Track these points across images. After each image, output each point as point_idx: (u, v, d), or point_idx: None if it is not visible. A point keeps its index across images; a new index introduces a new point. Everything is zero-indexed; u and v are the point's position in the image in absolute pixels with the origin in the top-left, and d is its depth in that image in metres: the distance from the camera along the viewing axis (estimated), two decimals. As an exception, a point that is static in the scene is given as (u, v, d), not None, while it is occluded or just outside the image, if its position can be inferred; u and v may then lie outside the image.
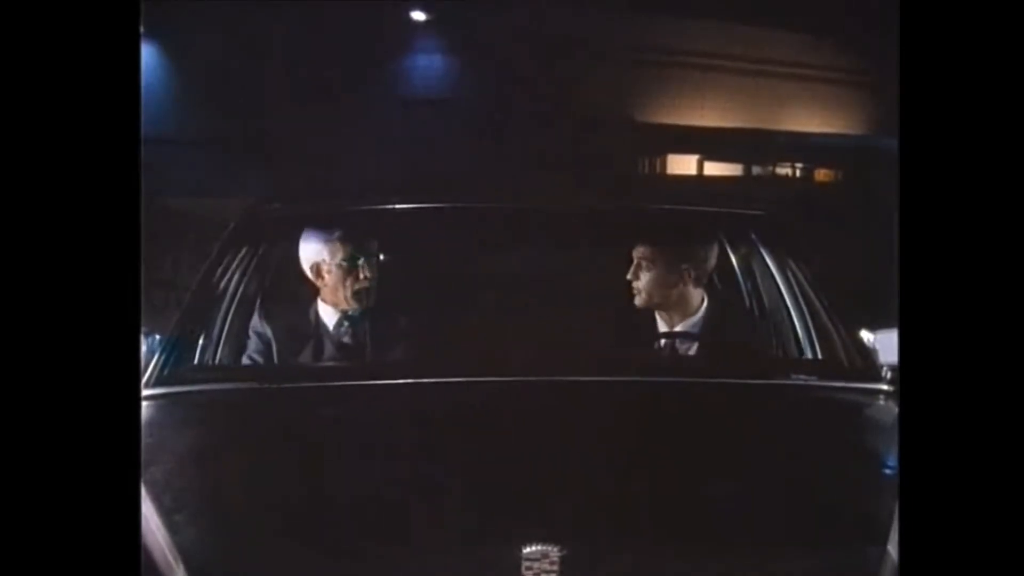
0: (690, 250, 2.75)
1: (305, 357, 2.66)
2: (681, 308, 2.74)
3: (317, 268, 2.70)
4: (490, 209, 2.80)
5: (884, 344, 2.28)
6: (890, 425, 1.99)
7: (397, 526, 1.69)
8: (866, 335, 2.42)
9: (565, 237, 2.91)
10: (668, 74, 10.66)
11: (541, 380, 2.21)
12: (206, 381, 2.42)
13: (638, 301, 2.74)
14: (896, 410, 2.03)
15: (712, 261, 2.80)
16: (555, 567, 1.57)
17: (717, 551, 1.65)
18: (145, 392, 2.21)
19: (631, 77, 10.50)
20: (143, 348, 2.21)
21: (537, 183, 4.08)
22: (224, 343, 2.64)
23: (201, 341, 2.55)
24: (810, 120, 10.79)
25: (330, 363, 2.65)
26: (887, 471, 1.86)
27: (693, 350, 2.72)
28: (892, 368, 2.25)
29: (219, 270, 2.63)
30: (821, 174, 11.23)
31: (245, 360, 2.67)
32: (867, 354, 2.37)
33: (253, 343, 2.68)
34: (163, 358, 2.31)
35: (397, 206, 2.78)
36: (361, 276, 2.69)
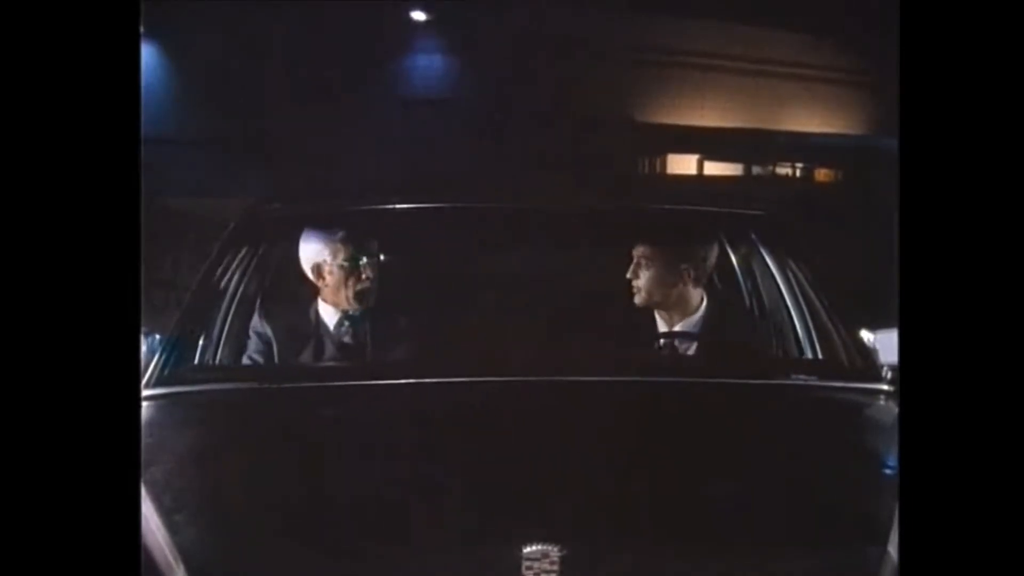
0: (689, 250, 2.75)
1: (305, 357, 2.66)
2: (681, 307, 2.74)
3: (318, 268, 2.70)
4: (490, 209, 2.80)
5: (884, 344, 2.28)
6: (890, 425, 1.99)
7: (397, 526, 1.69)
8: (866, 335, 2.42)
9: (565, 237, 2.91)
10: (668, 74, 10.66)
11: (541, 380, 2.21)
12: (206, 381, 2.42)
13: (637, 300, 2.75)
14: (896, 410, 2.03)
15: (712, 261, 2.81)
16: (555, 567, 1.57)
17: (717, 551, 1.65)
18: (145, 392, 2.21)
19: (631, 77, 10.50)
20: (143, 348, 2.21)
21: (537, 183, 4.08)
22: (224, 343, 2.64)
23: (201, 341, 2.55)
24: (810, 120, 10.79)
25: (330, 363, 2.65)
26: (887, 471, 1.86)
27: (692, 350, 2.72)
28: (892, 368, 2.25)
29: (219, 270, 2.63)
30: (821, 174, 11.23)
31: (245, 360, 2.67)
32: (867, 354, 2.37)
33: (253, 343, 2.68)
34: (163, 358, 2.31)
35: (397, 206, 2.78)
36: (363, 276, 2.69)
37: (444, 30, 10.07)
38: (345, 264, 2.68)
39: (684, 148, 10.85)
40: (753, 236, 2.85)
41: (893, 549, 1.60)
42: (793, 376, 2.48)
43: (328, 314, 2.72)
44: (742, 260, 2.95)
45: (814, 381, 2.40)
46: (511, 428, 1.99)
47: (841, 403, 2.32)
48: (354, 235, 2.69)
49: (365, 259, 2.69)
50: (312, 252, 2.71)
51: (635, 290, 2.74)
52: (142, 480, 1.61)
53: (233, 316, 2.68)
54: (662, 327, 2.76)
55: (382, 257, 2.76)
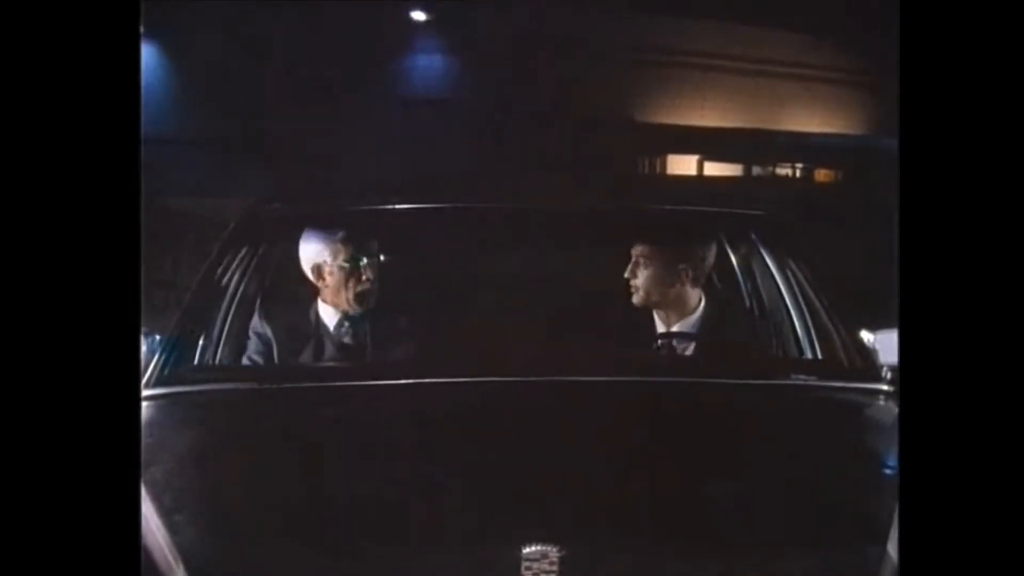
0: (688, 250, 2.75)
1: (305, 357, 2.66)
2: (679, 307, 2.75)
3: (318, 269, 2.70)
4: (490, 209, 2.80)
5: (884, 344, 2.28)
6: (890, 425, 1.99)
7: (397, 526, 1.69)
8: (866, 335, 2.42)
9: (565, 237, 2.91)
10: (668, 74, 10.66)
11: (541, 380, 2.21)
12: (206, 381, 2.42)
13: (636, 299, 2.75)
14: (896, 410, 2.03)
15: (710, 261, 2.80)
16: (555, 567, 1.57)
17: (717, 551, 1.65)
18: (145, 392, 2.21)
19: (631, 77, 10.50)
20: (143, 348, 2.21)
21: (537, 183, 4.08)
22: (224, 343, 2.64)
23: (201, 341, 2.54)
24: (810, 120, 10.79)
25: (330, 363, 2.65)
26: (887, 471, 1.86)
27: (691, 350, 2.72)
28: (892, 368, 2.25)
29: (219, 270, 2.63)
30: (821, 174, 11.23)
31: (245, 360, 2.67)
32: (867, 354, 2.37)
33: (253, 343, 2.68)
34: (163, 358, 2.31)
35: (397, 206, 2.78)
36: (363, 278, 2.68)
37: (444, 30, 10.07)
38: (345, 265, 2.67)
39: (684, 148, 10.85)
40: (753, 236, 2.85)
41: (893, 549, 1.60)
42: (793, 376, 2.48)
43: (328, 315, 2.72)
44: (742, 260, 2.95)
45: (814, 381, 2.40)
46: (511, 428, 2.00)
47: (841, 403, 2.32)
48: (354, 236, 2.69)
49: (365, 260, 2.68)
50: (312, 252, 2.71)
51: (633, 289, 2.74)
52: (142, 480, 1.61)
53: (233, 316, 2.68)
54: (660, 327, 2.76)
55: (382, 257, 2.76)
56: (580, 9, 9.64)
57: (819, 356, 2.51)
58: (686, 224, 2.87)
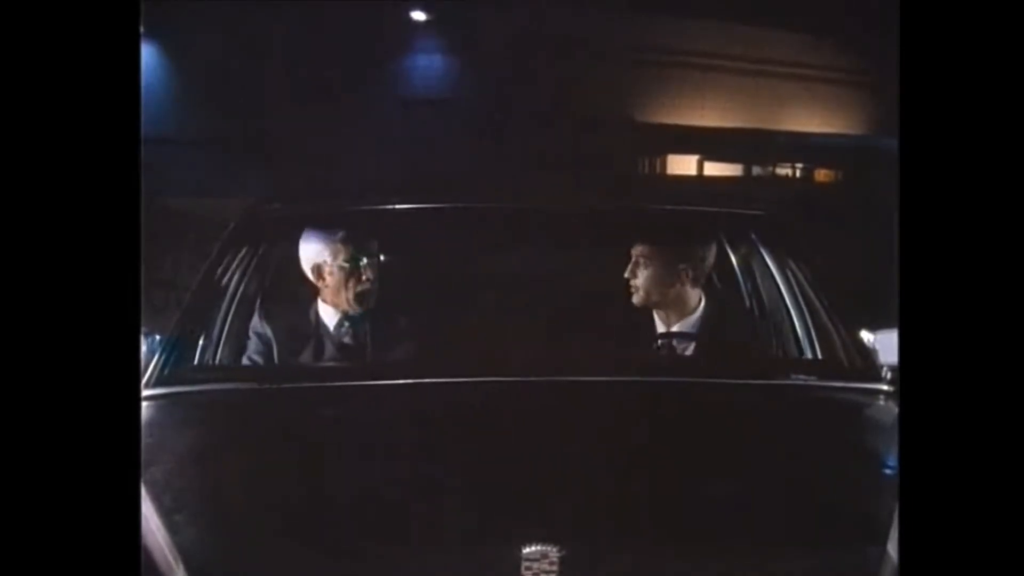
0: (687, 250, 2.75)
1: (305, 357, 2.66)
2: (679, 307, 2.75)
3: (318, 269, 2.70)
4: (490, 209, 2.80)
5: (884, 344, 2.28)
6: (890, 425, 1.99)
7: (397, 526, 1.69)
8: (866, 335, 2.42)
9: (565, 237, 2.90)
10: (668, 74, 10.66)
11: (541, 380, 2.21)
12: (206, 381, 2.42)
13: (635, 299, 2.75)
14: (896, 410, 2.03)
15: (710, 261, 2.80)
16: (555, 567, 1.57)
17: (717, 551, 1.65)
18: (145, 392, 2.21)
19: (631, 77, 10.50)
20: (143, 348, 2.21)
21: (537, 183, 4.08)
22: (224, 343, 2.64)
23: (201, 341, 2.54)
24: (810, 120, 10.79)
25: (330, 363, 2.65)
26: (887, 471, 1.86)
27: (691, 350, 2.72)
28: (892, 368, 2.25)
29: (219, 270, 2.63)
30: (821, 174, 11.23)
31: (245, 360, 2.67)
32: (867, 354, 2.37)
33: (253, 343, 2.68)
34: (163, 358, 2.31)
35: (397, 206, 2.78)
36: (363, 278, 2.68)
37: (444, 30, 10.08)
38: (345, 265, 2.67)
39: (684, 148, 10.85)
40: (753, 236, 2.85)
41: (893, 549, 1.60)
42: (793, 376, 2.48)
43: (328, 315, 2.72)
44: (742, 260, 2.95)
45: (814, 381, 2.40)
46: (511, 428, 2.00)
47: (841, 403, 2.32)
48: (354, 236, 2.69)
49: (365, 260, 2.68)
50: (312, 253, 2.71)
51: (633, 289, 2.75)
52: (142, 480, 1.61)
53: (233, 316, 2.68)
54: (660, 327, 2.76)
55: (382, 258, 2.76)
56: (580, 9, 9.64)
57: (819, 356, 2.51)
58: (686, 224, 2.87)
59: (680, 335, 2.73)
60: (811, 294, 2.59)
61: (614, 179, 8.52)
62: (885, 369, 2.28)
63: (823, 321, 2.52)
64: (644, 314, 2.78)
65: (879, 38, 6.33)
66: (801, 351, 2.58)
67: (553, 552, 1.58)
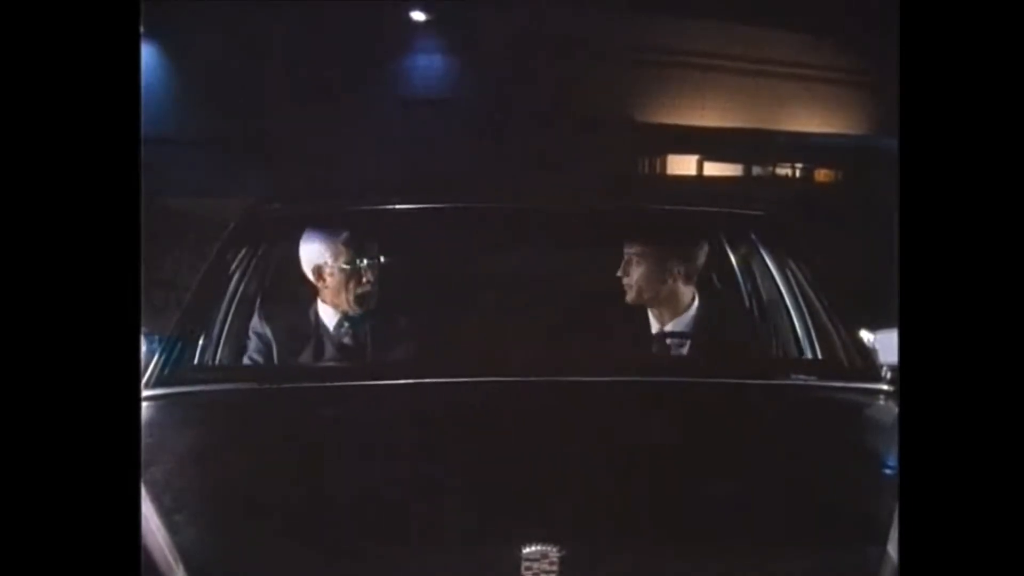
0: (678, 248, 2.75)
1: (305, 358, 2.66)
2: (671, 306, 2.75)
3: (318, 270, 2.70)
4: (490, 209, 2.80)
5: (884, 344, 2.28)
6: (890, 425, 1.99)
7: (397, 526, 1.69)
8: (866, 335, 2.42)
9: (565, 237, 2.91)
10: (668, 74, 10.66)
11: (541, 380, 2.22)
12: (206, 381, 2.42)
13: (628, 298, 2.76)
14: (896, 410, 2.03)
15: (701, 259, 2.81)
16: (555, 567, 1.57)
17: (717, 551, 1.65)
18: (145, 392, 2.21)
19: (631, 77, 10.50)
20: (143, 348, 2.21)
21: (537, 183, 4.08)
22: (224, 343, 2.64)
23: (201, 341, 2.54)
24: (810, 120, 10.80)
25: (330, 363, 2.65)
26: (887, 471, 1.86)
27: (686, 348, 2.72)
28: (892, 368, 2.25)
29: (219, 270, 2.63)
30: (821, 174, 11.23)
31: (245, 360, 2.67)
32: (867, 354, 2.37)
33: (253, 343, 2.68)
34: (163, 358, 2.31)
35: (397, 206, 2.78)
36: (363, 280, 2.68)
37: (444, 30, 10.08)
38: (346, 267, 2.67)
39: (684, 148, 10.86)
40: (753, 236, 2.85)
41: (893, 549, 1.60)
42: (793, 376, 2.48)
43: (328, 315, 2.72)
44: (742, 260, 2.95)
45: (814, 381, 2.40)
46: (511, 428, 2.00)
47: (841, 403, 2.32)
48: (354, 237, 2.68)
49: (366, 261, 2.68)
50: (312, 253, 2.71)
51: (626, 288, 2.75)
52: (142, 480, 1.61)
53: (233, 316, 2.68)
54: (655, 326, 2.77)
55: (382, 258, 2.76)
56: (580, 9, 9.65)
57: (819, 356, 2.51)
58: (687, 224, 2.87)
59: (675, 334, 2.74)
60: (811, 294, 2.59)
61: (614, 179, 8.50)
62: (885, 369, 2.28)
63: (823, 321, 2.52)
64: (642, 314, 2.78)
65: (879, 38, 6.34)
66: (801, 351, 2.58)
67: (553, 552, 1.58)
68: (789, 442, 2.02)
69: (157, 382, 2.25)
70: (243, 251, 2.71)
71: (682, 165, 10.99)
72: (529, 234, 2.88)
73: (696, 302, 2.76)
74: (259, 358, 2.65)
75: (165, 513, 1.69)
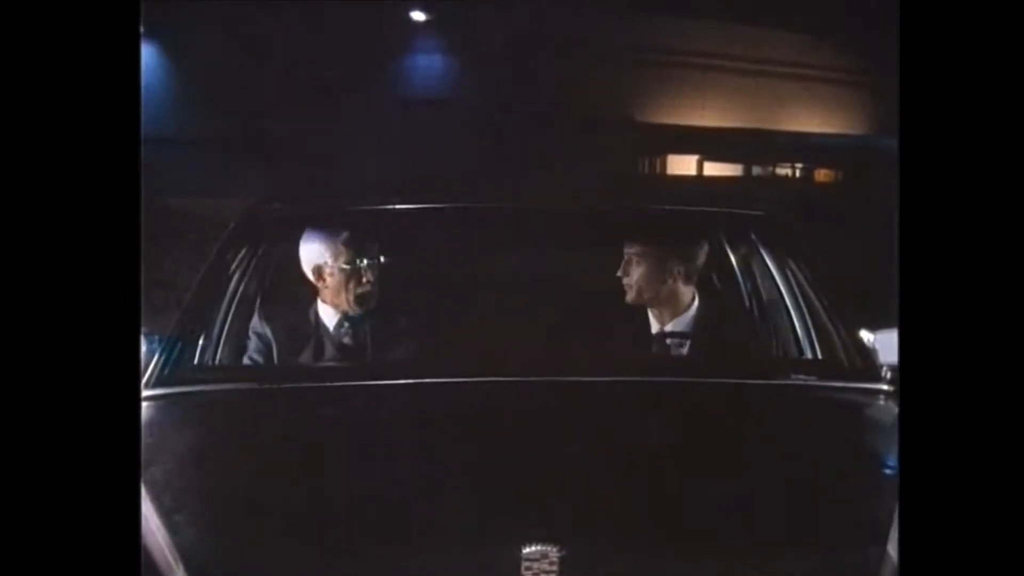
0: (678, 248, 2.75)
1: (305, 358, 2.66)
2: (671, 306, 2.76)
3: (318, 270, 2.70)
4: (490, 209, 2.81)
5: (884, 344, 2.28)
6: (890, 425, 1.99)
7: (397, 526, 1.69)
8: (866, 335, 2.42)
9: (565, 237, 2.91)
10: (668, 74, 10.67)
11: (541, 380, 2.22)
12: (206, 381, 2.42)
13: (628, 298, 2.76)
14: (896, 410, 2.03)
15: (701, 259, 2.81)
16: (555, 567, 1.57)
17: (717, 551, 1.65)
18: (145, 392, 2.21)
19: (631, 77, 10.51)
20: (143, 348, 2.21)
21: (537, 183, 4.08)
22: (224, 343, 2.64)
23: (201, 341, 2.54)
24: (810, 120, 10.80)
25: (330, 363, 2.65)
26: (887, 471, 1.86)
27: (686, 348, 2.72)
28: (892, 368, 2.25)
29: (219, 270, 2.63)
30: (821, 174, 11.24)
31: (245, 360, 2.67)
32: (867, 354, 2.37)
33: (253, 343, 2.68)
34: (163, 358, 2.31)
35: (397, 206, 2.78)
36: (363, 280, 2.68)
37: (444, 30, 10.08)
38: (346, 267, 2.67)
39: (684, 148, 10.86)
40: (753, 236, 2.86)
41: (893, 549, 1.60)
42: (793, 376, 2.48)
43: (328, 315, 2.72)
44: (742, 260, 2.95)
45: (814, 381, 2.40)
46: (511, 428, 2.00)
47: (841, 403, 2.32)
48: (354, 237, 2.68)
49: (366, 261, 2.68)
50: (312, 254, 2.71)
51: (626, 288, 2.75)
52: (142, 480, 1.61)
53: (233, 316, 2.68)
54: (655, 326, 2.77)
55: (382, 258, 2.76)
56: (580, 9, 9.65)
57: (819, 356, 2.51)
58: (687, 224, 2.87)
59: (675, 334, 2.74)
60: (811, 294, 2.59)
61: (614, 179, 8.52)
62: (885, 369, 2.28)
63: (823, 321, 2.52)
64: (642, 314, 2.78)
65: (879, 38, 6.34)
66: (801, 351, 2.58)
67: (553, 552, 1.58)
68: (789, 442, 2.02)
69: (157, 382, 2.25)
70: (243, 251, 2.71)
71: (682, 165, 10.99)
72: (529, 234, 2.88)
73: (696, 302, 2.76)
74: (259, 358, 2.65)
75: (165, 513, 1.69)
